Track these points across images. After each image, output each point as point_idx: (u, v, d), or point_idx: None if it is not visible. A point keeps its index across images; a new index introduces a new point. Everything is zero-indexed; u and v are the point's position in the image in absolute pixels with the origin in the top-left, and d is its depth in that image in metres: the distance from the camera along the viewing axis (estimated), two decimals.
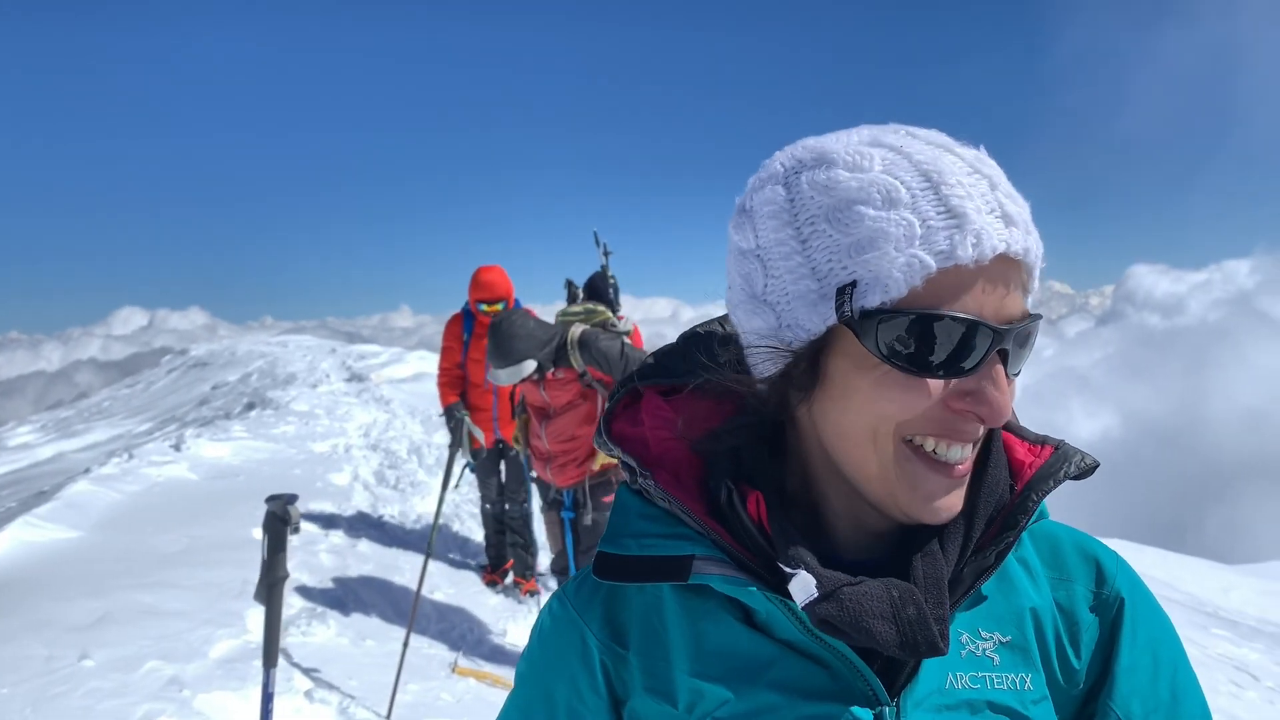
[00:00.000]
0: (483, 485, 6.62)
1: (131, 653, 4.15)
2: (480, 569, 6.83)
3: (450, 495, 8.21)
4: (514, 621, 6.13)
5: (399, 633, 5.37)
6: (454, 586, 6.43)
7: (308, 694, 4.35)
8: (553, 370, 5.02)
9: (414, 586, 6.14)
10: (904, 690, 0.87)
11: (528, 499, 6.62)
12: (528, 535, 6.59)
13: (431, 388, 16.98)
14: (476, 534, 7.73)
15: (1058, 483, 0.92)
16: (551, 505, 5.47)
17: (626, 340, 5.33)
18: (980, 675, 0.89)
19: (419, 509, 8.11)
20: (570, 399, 5.16)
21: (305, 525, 6.68)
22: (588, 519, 5.32)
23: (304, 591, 5.51)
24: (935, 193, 0.79)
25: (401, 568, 6.49)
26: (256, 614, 4.95)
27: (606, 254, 5.82)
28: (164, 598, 4.84)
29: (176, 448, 8.39)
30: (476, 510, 8.13)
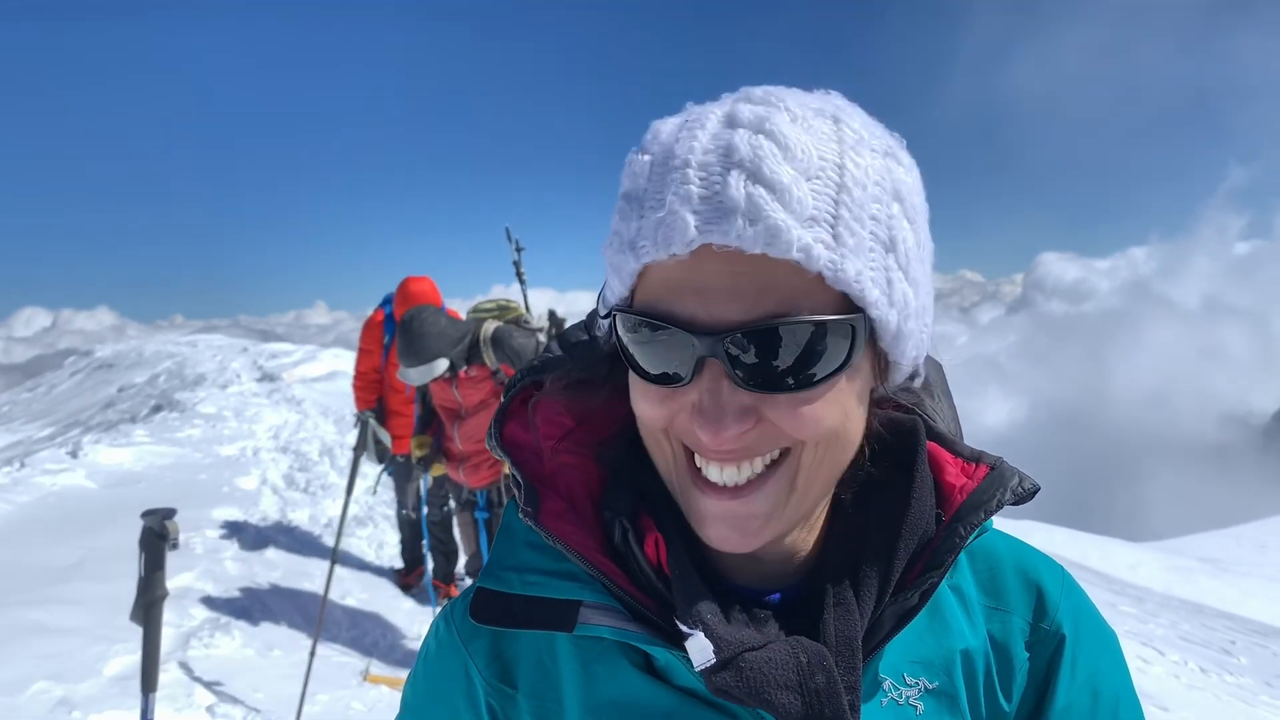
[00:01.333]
0: (399, 491, 6.48)
1: (18, 674, 3.96)
2: (395, 572, 6.70)
3: (365, 498, 8.05)
4: (425, 626, 6.01)
5: (306, 640, 5.22)
6: (366, 592, 6.29)
7: (210, 709, 4.20)
8: (465, 368, 4.92)
9: (322, 592, 6.00)
10: None
11: (447, 503, 6.50)
12: (449, 539, 6.47)
13: (346, 386, 16.66)
14: (390, 536, 7.58)
15: (989, 513, 0.83)
16: (465, 506, 5.38)
17: (541, 339, 5.25)
18: None
19: (330, 512, 7.92)
20: (483, 398, 5.06)
21: (210, 534, 6.48)
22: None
23: (208, 602, 5.32)
24: (653, 181, 0.73)
25: (311, 574, 6.32)
26: None
27: (518, 250, 5.73)
28: (55, 614, 4.63)
29: (73, 454, 8.06)
30: (390, 513, 7.98)
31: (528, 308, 5.61)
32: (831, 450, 0.77)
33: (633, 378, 0.79)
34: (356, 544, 7.19)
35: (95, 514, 6.62)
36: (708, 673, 0.75)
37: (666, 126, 0.76)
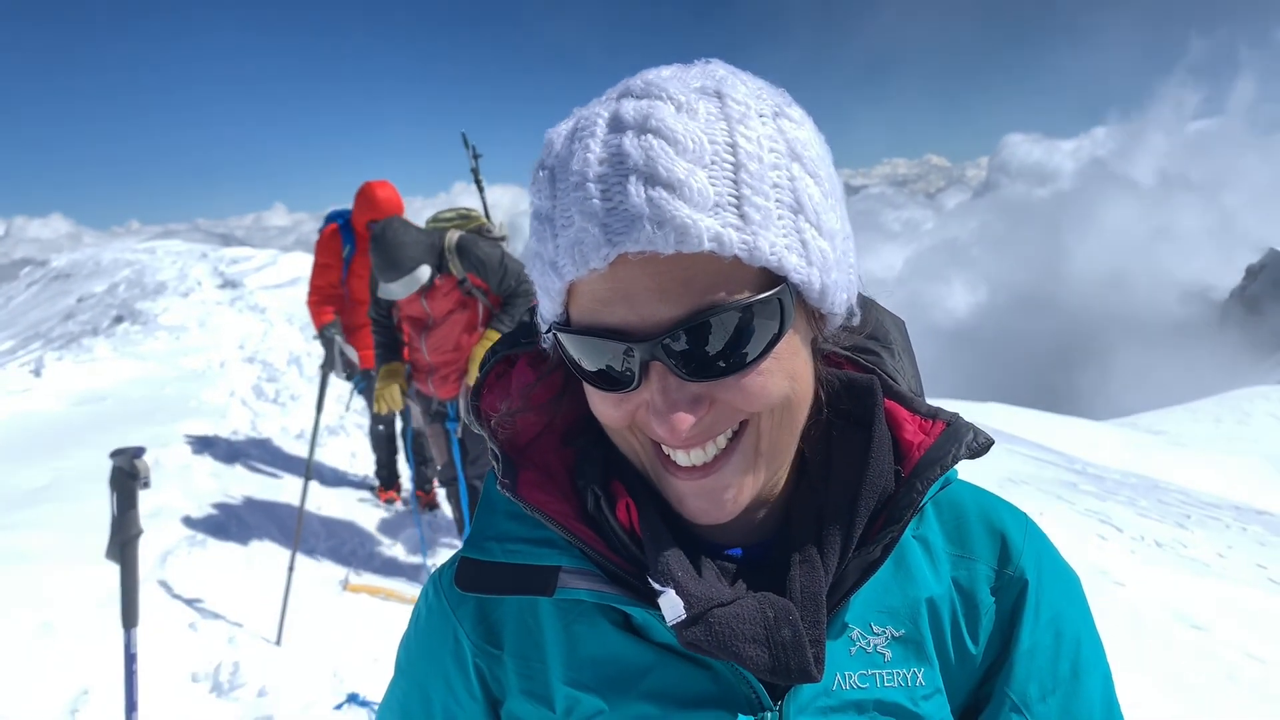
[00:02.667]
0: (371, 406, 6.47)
1: None
2: (372, 490, 6.73)
3: (336, 408, 8.05)
4: (404, 533, 6.09)
5: (284, 554, 5.28)
6: (341, 502, 6.34)
7: (191, 625, 4.26)
8: (437, 277, 4.91)
9: (298, 504, 6.04)
10: (788, 693, 0.84)
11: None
12: (427, 451, 6.51)
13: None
14: (363, 445, 7.61)
15: (945, 469, 0.86)
16: (435, 418, 5.39)
17: (505, 247, 5.21)
18: (870, 674, 0.86)
19: (300, 423, 7.92)
20: (450, 308, 5.04)
21: (181, 450, 6.47)
22: (474, 429, 5.28)
23: (184, 520, 5.35)
24: (558, 199, 0.74)
25: (285, 487, 6.36)
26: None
27: (476, 157, 5.63)
28: (26, 539, 4.64)
29: (36, 373, 7.97)
30: (363, 423, 7.99)
31: (488, 215, 5.54)
32: (787, 412, 0.80)
33: (586, 385, 0.81)
34: (330, 454, 7.21)
35: (63, 434, 6.59)
36: (679, 627, 0.79)
37: (559, 137, 0.77)
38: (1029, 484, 12.53)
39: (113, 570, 4.40)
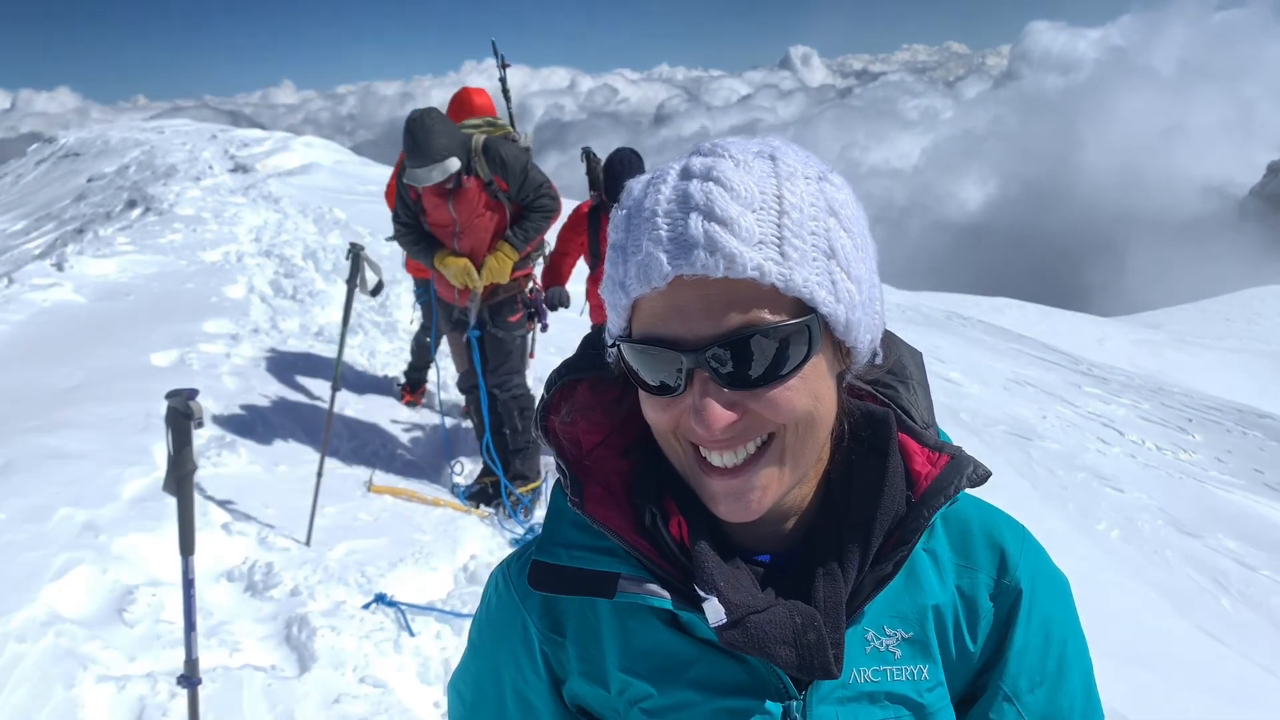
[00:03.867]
0: (427, 316, 6.44)
1: (41, 501, 4.18)
2: (398, 389, 6.85)
3: (355, 306, 8.15)
4: (425, 434, 6.28)
5: (310, 455, 5.47)
6: (362, 402, 6.51)
7: (225, 527, 4.47)
8: (465, 177, 4.99)
9: (321, 404, 6.22)
10: (811, 685, 0.98)
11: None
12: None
13: (323, 180, 16.48)
14: (381, 344, 7.76)
15: (948, 498, 0.98)
16: (456, 326, 5.52)
17: (532, 160, 5.26)
18: (881, 669, 1.00)
19: (319, 320, 8.06)
20: (477, 213, 5.13)
21: (205, 348, 6.63)
22: (499, 334, 5.39)
23: (214, 420, 5.53)
24: (631, 232, 0.90)
25: (307, 387, 6.53)
26: (164, 449, 4.98)
27: (504, 66, 5.63)
28: (67, 439, 4.82)
29: (59, 267, 8.09)
30: (380, 320, 8.12)
31: (513, 124, 5.56)
32: (809, 427, 0.93)
33: (641, 392, 0.94)
34: (349, 353, 7.36)
35: (89, 331, 6.74)
36: (720, 630, 0.93)
37: (638, 185, 0.93)
38: (1034, 386, 12.68)
39: (146, 472, 4.60)
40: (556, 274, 5.83)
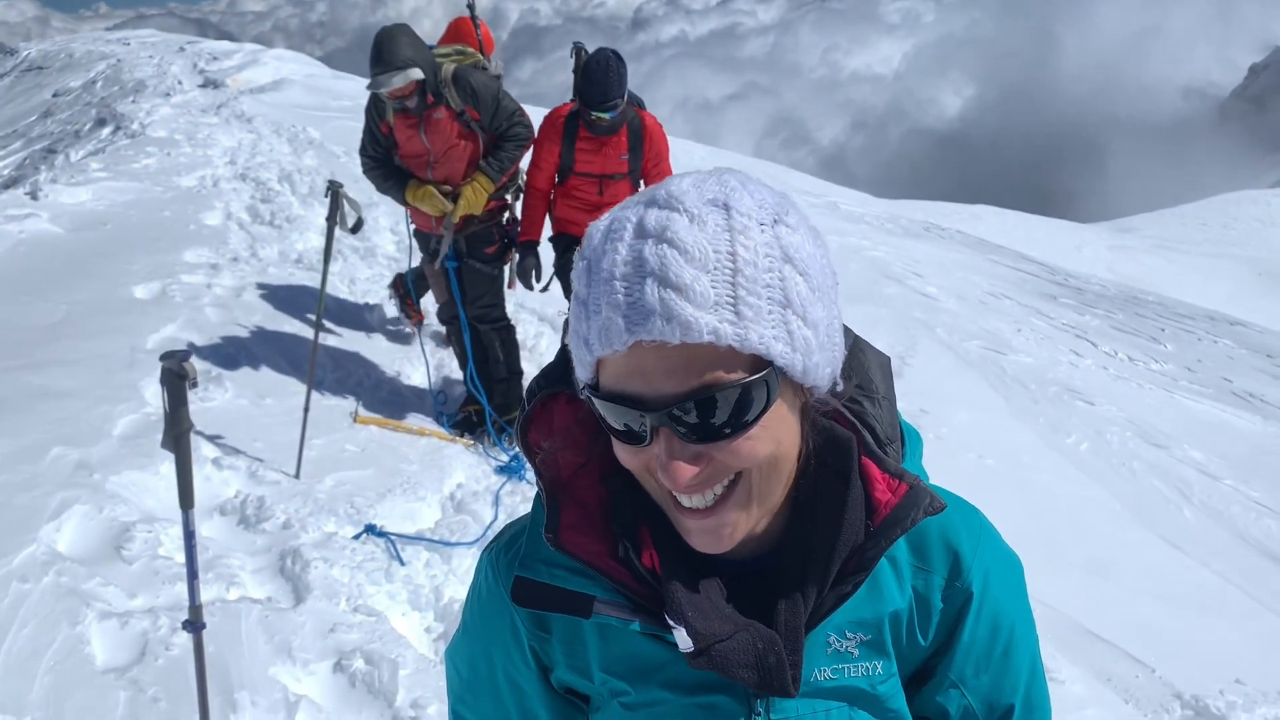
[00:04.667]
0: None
1: (33, 441, 4.26)
2: (404, 306, 6.72)
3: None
4: (408, 363, 6.36)
5: (295, 386, 5.54)
6: (344, 330, 6.57)
7: (215, 461, 4.57)
8: (430, 109, 4.98)
9: (303, 334, 6.27)
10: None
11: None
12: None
13: (295, 97, 16.20)
14: (361, 271, 7.79)
15: (904, 530, 1.03)
16: (433, 256, 5.55)
17: (503, 87, 5.25)
18: (840, 667, 1.08)
19: (298, 247, 8.06)
20: (451, 143, 5.14)
21: (186, 279, 6.65)
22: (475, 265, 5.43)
23: (196, 353, 5.58)
24: (591, 289, 0.93)
25: (289, 317, 6.57)
26: (152, 386, 5.04)
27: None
28: (54, 377, 4.88)
29: (33, 196, 8.02)
30: (358, 244, 8.11)
31: (483, 53, 5.53)
32: (774, 467, 1.00)
33: (612, 437, 1.00)
34: (328, 281, 7.38)
35: (68, 263, 6.73)
36: (688, 657, 1.02)
37: (597, 233, 0.96)
38: (1010, 298, 12.82)
39: (135, 409, 4.68)
40: (531, 210, 5.49)
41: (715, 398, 0.91)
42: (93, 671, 3.11)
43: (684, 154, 24.55)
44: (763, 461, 0.97)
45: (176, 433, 2.26)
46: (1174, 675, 4.03)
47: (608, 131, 5.26)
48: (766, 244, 0.91)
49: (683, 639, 1.01)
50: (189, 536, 2.31)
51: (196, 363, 5.29)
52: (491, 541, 1.21)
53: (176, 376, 2.22)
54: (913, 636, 1.12)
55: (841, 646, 1.09)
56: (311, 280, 7.34)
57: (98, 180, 8.83)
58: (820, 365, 0.96)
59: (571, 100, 5.37)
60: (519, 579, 1.09)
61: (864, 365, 1.10)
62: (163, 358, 2.24)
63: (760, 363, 0.92)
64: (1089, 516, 5.91)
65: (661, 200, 0.92)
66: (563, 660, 1.14)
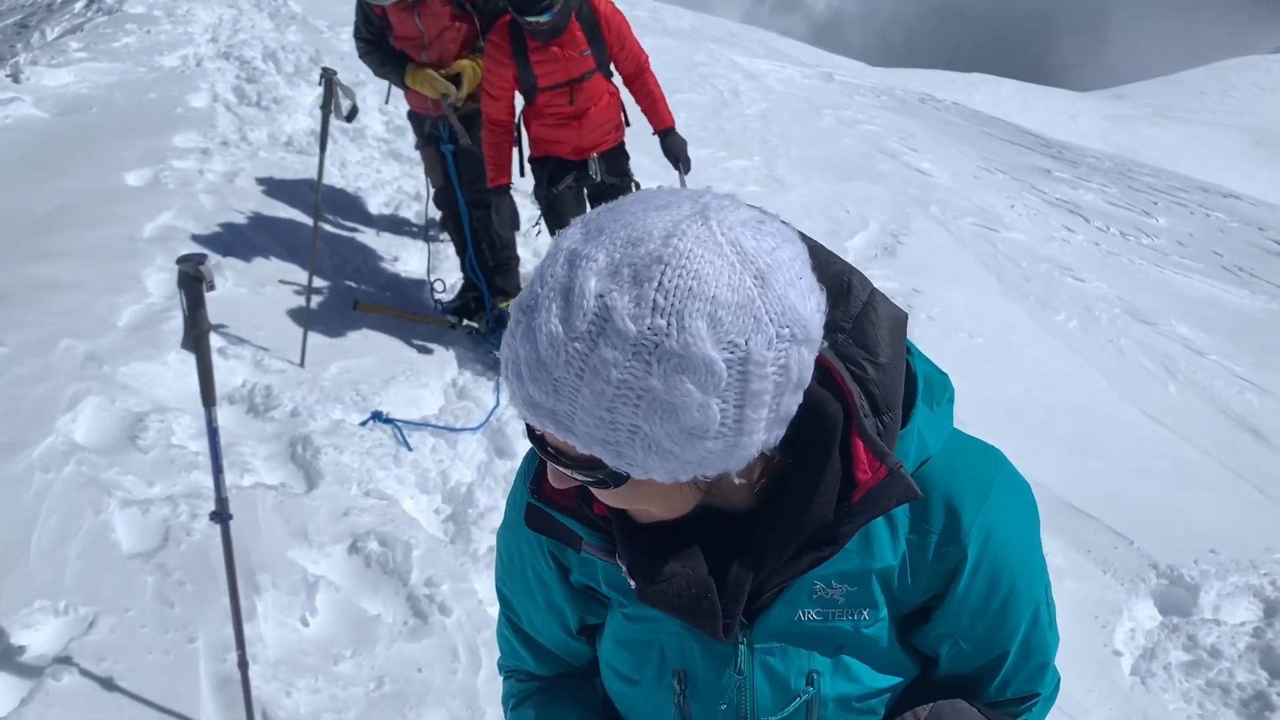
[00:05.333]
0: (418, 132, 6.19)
1: (42, 334, 4.31)
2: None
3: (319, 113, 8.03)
4: (405, 249, 6.39)
5: (295, 273, 5.59)
6: (338, 215, 6.57)
7: (220, 351, 4.63)
8: None
9: (299, 219, 6.28)
10: (758, 617, 1.16)
11: None
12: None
13: None
14: (352, 154, 7.73)
15: (872, 517, 1.05)
16: (428, 141, 5.53)
17: None
18: (825, 611, 1.15)
19: (287, 129, 7.96)
20: (444, 25, 5.09)
21: (177, 164, 6.59)
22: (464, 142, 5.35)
23: (194, 241, 5.59)
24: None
25: (284, 201, 6.55)
26: (153, 276, 5.08)
27: None
28: (56, 268, 4.90)
29: (15, 79, 7.85)
30: (347, 127, 8.01)
31: None
32: (650, 510, 1.07)
33: None
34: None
35: (58, 149, 6.66)
36: (635, 591, 1.11)
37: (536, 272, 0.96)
38: (1004, 173, 12.76)
39: (138, 300, 4.73)
40: (494, 149, 4.90)
41: (560, 462, 0.98)
42: (120, 557, 3.25)
43: (673, 19, 23.87)
44: (630, 508, 1.07)
45: (196, 334, 2.32)
46: (1151, 546, 4.21)
47: (553, 34, 4.54)
48: (628, 374, 0.86)
49: (628, 579, 1.12)
50: (213, 433, 2.40)
51: (194, 249, 5.33)
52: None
53: (194, 280, 2.27)
54: (904, 586, 1.16)
55: (827, 594, 1.15)
56: (302, 164, 7.28)
57: (79, 61, 8.64)
58: (684, 474, 0.95)
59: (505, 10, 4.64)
60: (530, 506, 1.19)
61: (874, 325, 1.07)
62: (179, 261, 2.29)
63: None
64: (1076, 394, 6.05)
65: (573, 257, 0.89)
66: (577, 568, 1.27)
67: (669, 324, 0.84)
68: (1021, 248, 9.09)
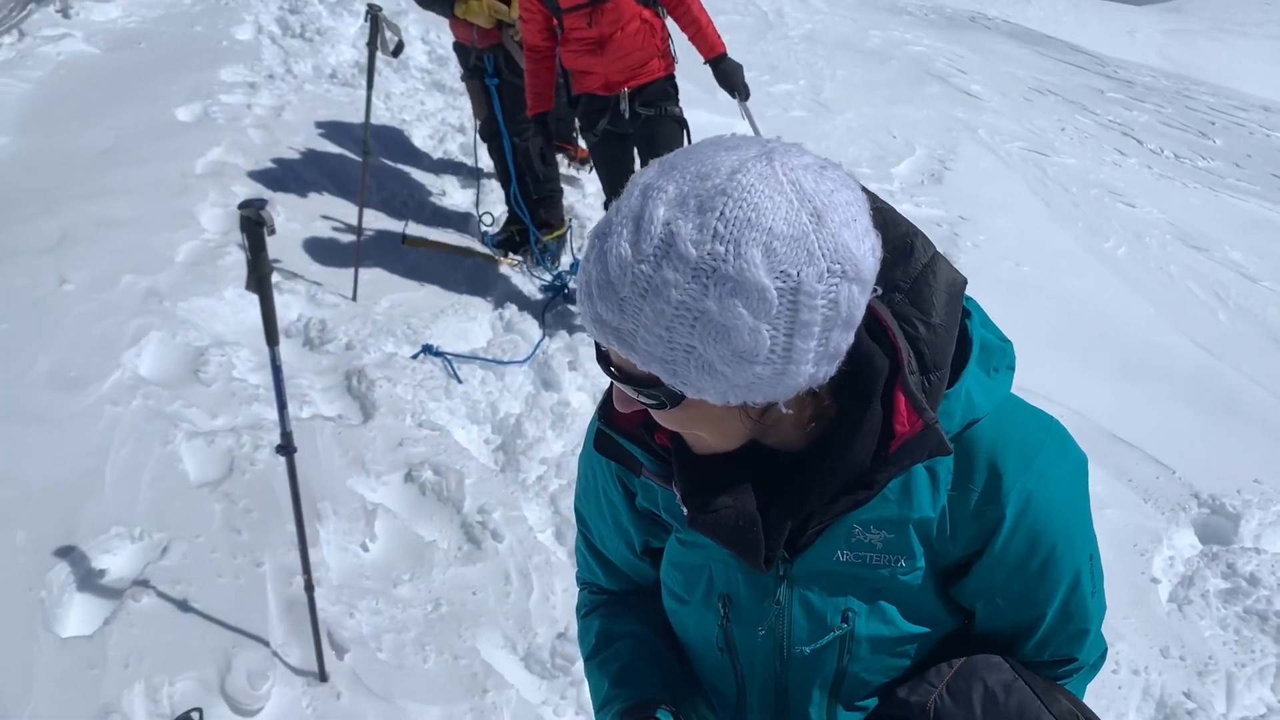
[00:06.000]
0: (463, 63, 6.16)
1: (104, 270, 4.45)
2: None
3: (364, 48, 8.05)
4: (450, 183, 6.44)
5: (344, 208, 5.68)
6: (385, 150, 6.62)
7: (275, 287, 4.69)
8: None
9: (347, 155, 6.36)
10: (799, 554, 1.23)
11: None
12: None
13: None
14: (396, 85, 7.76)
15: (903, 469, 1.10)
16: (473, 73, 5.54)
17: None
18: (862, 554, 1.21)
19: (331, 61, 8.00)
20: None
21: (225, 99, 6.67)
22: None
23: (245, 178, 5.69)
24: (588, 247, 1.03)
25: (331, 135, 6.62)
26: (206, 211, 5.20)
27: None
28: (114, 206, 5.02)
29: (65, 14, 7.95)
30: (390, 60, 8.01)
31: None
32: (704, 436, 1.13)
33: None
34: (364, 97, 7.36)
35: (109, 85, 6.77)
36: (686, 519, 1.20)
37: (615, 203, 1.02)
38: (1056, 94, 12.48)
39: (194, 235, 4.85)
40: (531, 75, 4.83)
41: (623, 379, 1.06)
42: (188, 486, 3.41)
43: None
44: (685, 430, 1.13)
45: (259, 275, 2.42)
46: (1194, 476, 4.23)
47: None
48: (687, 296, 0.92)
49: (681, 506, 1.20)
50: (277, 371, 2.50)
51: (247, 186, 5.44)
52: None
53: (255, 225, 2.36)
54: (944, 540, 1.20)
55: (865, 538, 1.21)
56: (347, 96, 7.33)
57: None
58: (734, 398, 1.01)
59: None
60: (599, 431, 1.29)
61: (931, 288, 1.13)
62: (241, 207, 2.38)
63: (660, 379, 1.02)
64: (1123, 322, 6.01)
65: (647, 188, 0.96)
66: (641, 493, 1.36)
67: (727, 250, 0.90)
68: (1071, 172, 8.93)
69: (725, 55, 4.68)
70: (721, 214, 0.91)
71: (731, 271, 0.91)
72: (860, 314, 0.99)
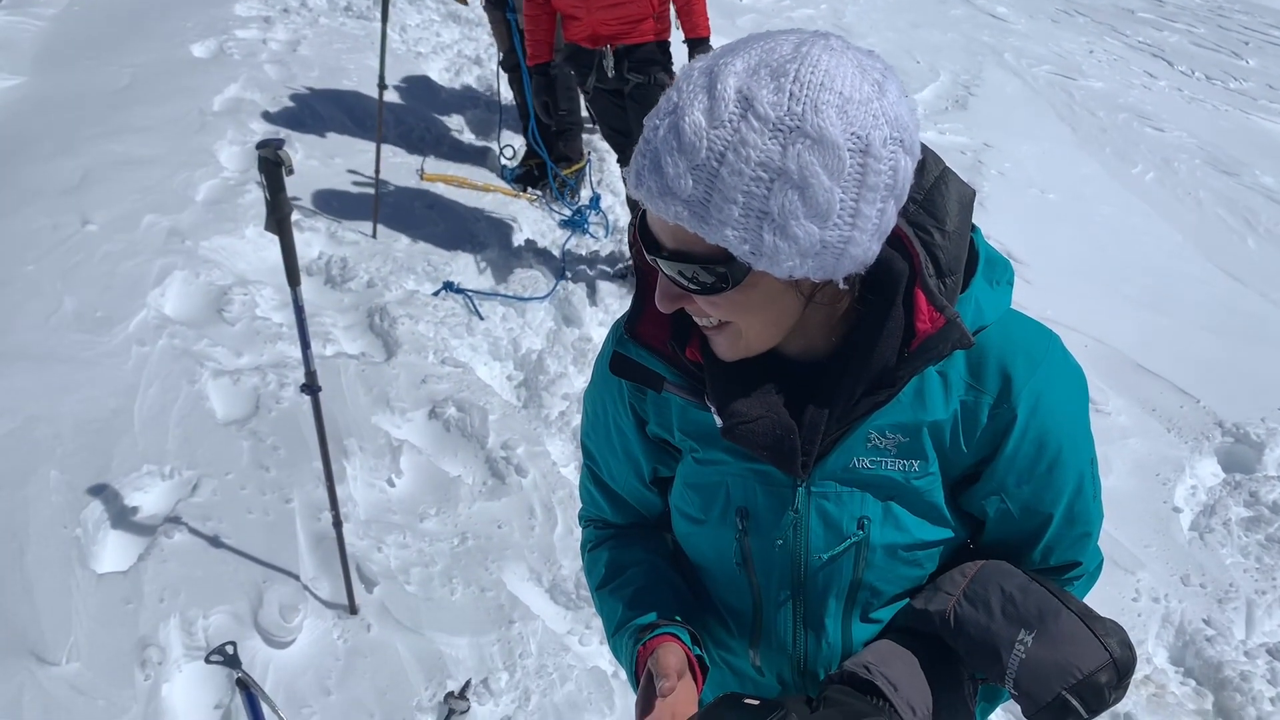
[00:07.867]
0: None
1: (126, 210, 4.46)
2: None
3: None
4: (467, 115, 6.39)
5: (361, 145, 5.65)
6: (403, 83, 6.57)
7: (296, 224, 4.74)
8: None
9: (363, 90, 6.30)
10: (818, 463, 1.24)
11: None
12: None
13: None
14: (411, 17, 7.67)
15: (928, 363, 1.14)
16: (495, 5, 5.47)
17: None
18: (877, 460, 1.24)
19: None
20: None
21: (240, 34, 6.62)
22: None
23: (261, 116, 5.67)
24: (646, 124, 1.02)
25: (346, 68, 6.57)
26: (225, 149, 5.19)
27: None
28: (132, 144, 5.02)
29: None
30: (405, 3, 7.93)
31: None
32: (752, 325, 1.13)
33: None
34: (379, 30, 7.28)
35: (124, 22, 6.72)
36: (721, 431, 1.21)
37: (675, 80, 1.03)
38: (1084, 15, 12.19)
39: (213, 174, 4.85)
40: (531, 22, 4.66)
41: (680, 265, 1.05)
42: (216, 424, 3.45)
43: None
44: (736, 319, 1.12)
45: (279, 216, 2.41)
46: (1218, 404, 4.21)
47: None
48: (765, 155, 0.94)
49: (715, 418, 1.21)
50: (299, 310, 2.51)
51: (265, 125, 5.42)
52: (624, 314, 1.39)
53: (274, 165, 2.35)
54: (955, 444, 1.24)
55: (880, 443, 1.23)
56: (362, 29, 7.26)
57: None
58: (799, 269, 1.02)
59: None
60: (615, 353, 1.30)
61: (944, 198, 1.16)
62: (259, 147, 2.36)
63: (728, 253, 1.02)
64: (1150, 250, 5.94)
65: (711, 67, 0.99)
66: (654, 417, 1.37)
67: (804, 110, 0.94)
68: (1099, 96, 8.76)
69: (706, 40, 4.48)
70: (796, 77, 0.95)
71: (810, 129, 0.94)
72: (907, 190, 1.04)
